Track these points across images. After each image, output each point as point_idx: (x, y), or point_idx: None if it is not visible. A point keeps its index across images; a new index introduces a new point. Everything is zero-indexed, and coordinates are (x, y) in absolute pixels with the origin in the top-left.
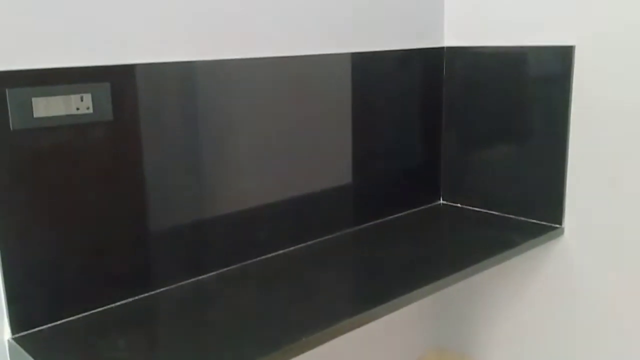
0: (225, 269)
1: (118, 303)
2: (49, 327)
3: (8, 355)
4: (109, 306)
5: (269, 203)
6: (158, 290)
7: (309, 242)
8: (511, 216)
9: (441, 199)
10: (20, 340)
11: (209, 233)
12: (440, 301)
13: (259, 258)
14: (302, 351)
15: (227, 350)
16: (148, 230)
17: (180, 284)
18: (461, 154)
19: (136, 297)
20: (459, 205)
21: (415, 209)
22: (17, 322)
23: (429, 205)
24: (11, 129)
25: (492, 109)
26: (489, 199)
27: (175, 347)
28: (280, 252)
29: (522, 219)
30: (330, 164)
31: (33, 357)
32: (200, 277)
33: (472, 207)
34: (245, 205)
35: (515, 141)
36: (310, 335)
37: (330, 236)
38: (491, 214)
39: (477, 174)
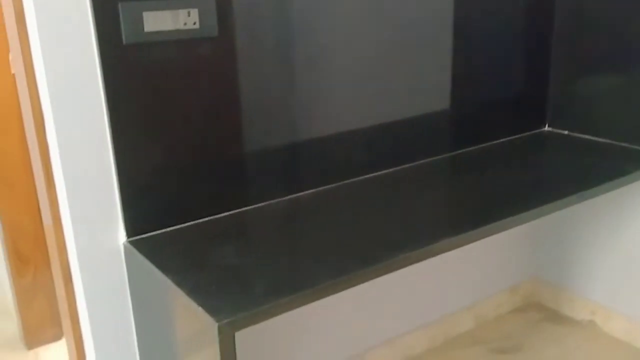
0: (321, 188)
1: (221, 215)
2: (159, 234)
3: (123, 257)
4: (213, 217)
5: (365, 127)
6: (257, 205)
7: (405, 165)
8: (623, 144)
9: (547, 125)
10: (135, 244)
11: (305, 153)
12: (538, 230)
13: (355, 179)
14: (398, 267)
15: (325, 262)
16: (246, 148)
17: (277, 200)
18: (571, 77)
19: (237, 210)
20: (566, 132)
21: (518, 135)
22: (131, 228)
23: (533, 131)
24: (124, 42)
25: (607, 30)
26: (599, 126)
27: (277, 256)
28: (377, 173)
29: (635, 147)
30: (428, 88)
31: (147, 258)
32: (297, 195)
33: (581, 134)
34: (341, 129)
35: (630, 66)
36: (408, 252)
37: (428, 160)
38: (601, 141)
39: (587, 99)
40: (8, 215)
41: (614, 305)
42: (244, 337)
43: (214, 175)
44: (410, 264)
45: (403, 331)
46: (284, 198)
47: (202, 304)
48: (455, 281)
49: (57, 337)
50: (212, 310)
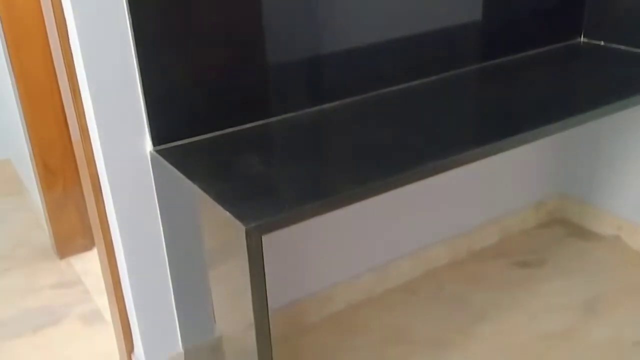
0: (347, 100)
1: (246, 126)
2: (185, 143)
3: (150, 165)
4: (238, 128)
5: (392, 38)
6: (282, 116)
7: (433, 77)
8: None
9: (582, 36)
10: (161, 152)
11: (331, 64)
12: (566, 146)
13: (382, 90)
14: (423, 177)
15: (350, 171)
16: (271, 59)
17: (303, 111)
18: None
19: (263, 121)
20: (601, 42)
21: (552, 46)
22: (157, 136)
23: (567, 42)
24: None
25: None
26: (636, 36)
27: (302, 165)
28: (404, 85)
29: None
30: None
31: (174, 166)
32: (322, 106)
33: (617, 44)
34: (368, 40)
35: None
36: (434, 162)
37: (456, 71)
38: (638, 52)
39: (625, 9)
40: (36, 130)
41: None
42: (269, 246)
43: (239, 86)
44: (435, 174)
45: (426, 244)
46: (309, 109)
47: (229, 209)
48: (480, 195)
49: (87, 248)
50: (240, 215)
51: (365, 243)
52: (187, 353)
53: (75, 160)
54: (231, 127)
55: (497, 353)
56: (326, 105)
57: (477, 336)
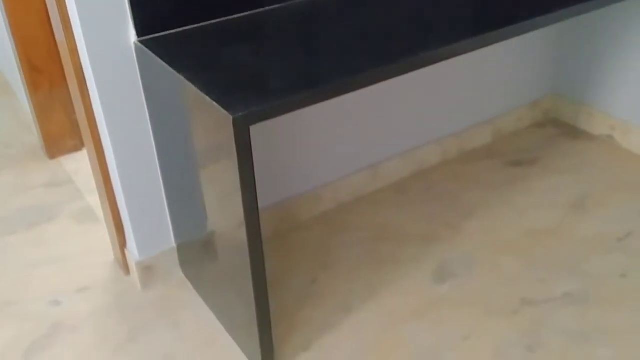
0: None
1: (234, 16)
2: (170, 34)
3: (135, 56)
4: (226, 18)
5: None
6: (272, 7)
7: None
8: None
9: None
10: (146, 43)
11: None
12: (559, 45)
13: None
14: (416, 68)
15: (340, 60)
16: None
17: (292, 1)
18: None
19: (251, 12)
20: None
21: None
22: (142, 26)
23: None
24: None
25: None
26: None
27: (292, 55)
28: None
29: None
30: None
31: (159, 57)
32: None
33: None
34: None
35: None
36: (427, 52)
37: None
38: None
39: None
40: (20, 29)
41: (633, 120)
42: (259, 145)
43: None
44: (428, 64)
45: (417, 144)
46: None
47: (215, 99)
48: (472, 96)
49: (77, 148)
50: (227, 104)
51: (355, 143)
52: (180, 248)
53: (60, 59)
54: (219, 17)
55: (484, 247)
56: None
57: (465, 231)
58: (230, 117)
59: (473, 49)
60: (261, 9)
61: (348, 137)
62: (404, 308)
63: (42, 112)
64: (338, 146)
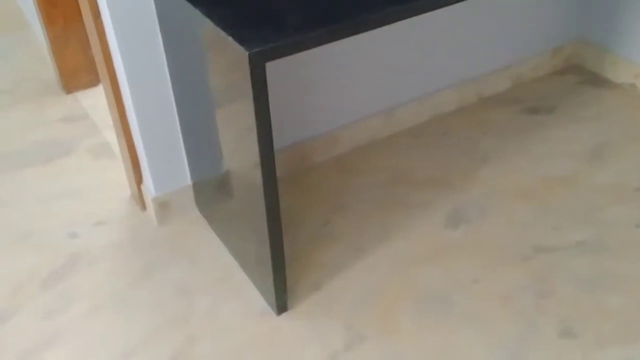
0: None
1: None
2: None
3: None
4: None
5: None
6: None
7: None
8: None
9: None
10: None
11: None
12: None
13: None
14: (434, 7)
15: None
16: None
17: None
18: None
19: None
20: None
21: None
22: None
23: None
24: None
25: None
26: None
27: None
28: None
29: None
30: None
31: None
32: None
33: None
34: None
35: None
36: None
37: None
38: None
39: None
40: None
41: None
42: (274, 86)
43: None
44: (448, 4)
45: (433, 89)
46: None
47: (232, 34)
48: (492, 40)
49: (93, 84)
50: (243, 40)
51: (371, 86)
52: (196, 186)
53: None
54: None
55: (498, 194)
56: None
57: (478, 178)
58: (246, 53)
59: None
60: None
61: (364, 80)
62: (415, 252)
63: (57, 46)
64: (354, 88)
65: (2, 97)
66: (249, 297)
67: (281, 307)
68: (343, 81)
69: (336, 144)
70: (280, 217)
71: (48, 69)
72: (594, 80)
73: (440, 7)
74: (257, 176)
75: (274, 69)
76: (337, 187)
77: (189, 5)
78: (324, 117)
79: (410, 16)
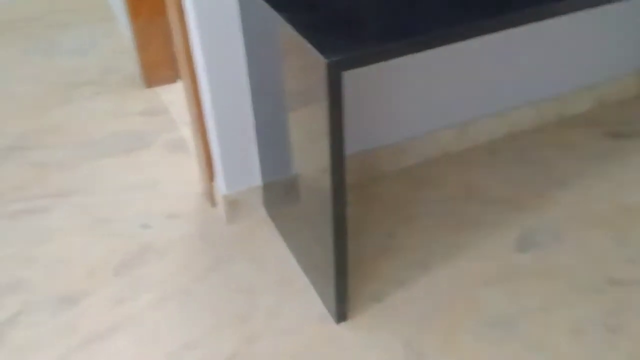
0: None
1: None
2: None
3: None
4: None
5: None
6: None
7: None
8: None
9: None
10: None
11: None
12: None
13: None
14: (518, 24)
15: (440, 11)
16: None
17: None
18: None
19: None
20: None
21: None
22: None
23: None
24: None
25: None
26: None
27: (393, 4)
28: None
29: None
30: None
31: None
32: None
33: None
34: None
35: None
36: (534, 7)
37: None
38: None
39: None
40: None
41: None
42: (349, 91)
43: None
44: (533, 21)
45: (512, 105)
46: None
47: (312, 41)
48: (575, 58)
49: (173, 79)
50: (322, 48)
51: (446, 98)
52: (265, 187)
53: None
54: None
55: (573, 219)
56: None
57: (555, 201)
58: (325, 61)
59: (581, 8)
60: None
61: (439, 91)
62: (481, 272)
63: (141, 40)
64: (428, 99)
65: (89, 87)
66: (309, 301)
67: (341, 315)
68: (418, 91)
69: (406, 155)
70: (346, 225)
71: (131, 62)
72: None
73: (529, 22)
74: (326, 182)
75: (348, 73)
76: (404, 198)
77: (271, 9)
78: (396, 126)
79: (493, 32)
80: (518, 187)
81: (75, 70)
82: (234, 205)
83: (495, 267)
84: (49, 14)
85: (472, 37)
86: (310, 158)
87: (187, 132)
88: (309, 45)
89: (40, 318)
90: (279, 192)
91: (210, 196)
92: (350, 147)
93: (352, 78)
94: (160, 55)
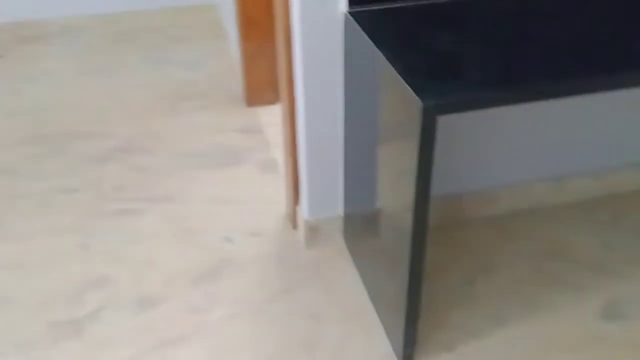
0: None
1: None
2: (379, 9)
3: (343, 26)
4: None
5: None
6: None
7: None
8: None
9: None
10: (354, 15)
11: None
12: None
13: None
14: (632, 85)
15: (546, 62)
16: None
17: None
18: None
19: None
20: None
21: None
22: None
23: None
24: None
25: None
26: None
27: (494, 49)
28: None
29: None
30: None
31: (364, 30)
32: None
33: None
34: None
35: None
36: None
37: None
38: None
39: None
40: None
41: None
42: (441, 130)
43: None
44: None
45: (612, 165)
46: None
47: (410, 83)
48: None
49: (273, 101)
50: (420, 90)
51: (543, 150)
52: (347, 218)
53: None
54: None
55: None
56: None
57: None
58: (421, 104)
59: None
60: None
61: (536, 142)
62: (561, 336)
63: (248, 61)
64: (524, 148)
65: (194, 100)
66: (376, 338)
67: (407, 358)
68: (513, 139)
69: (495, 203)
70: (424, 268)
71: (236, 81)
72: None
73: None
74: (408, 221)
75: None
76: (488, 247)
77: (373, 46)
78: (487, 172)
79: (606, 90)
80: (610, 251)
81: (184, 82)
82: (314, 231)
83: (577, 332)
84: (169, 27)
85: (581, 94)
86: (394, 195)
87: (279, 153)
88: (406, 86)
89: (119, 317)
90: (359, 225)
91: (292, 219)
92: (437, 187)
93: (447, 118)
94: (264, 78)
